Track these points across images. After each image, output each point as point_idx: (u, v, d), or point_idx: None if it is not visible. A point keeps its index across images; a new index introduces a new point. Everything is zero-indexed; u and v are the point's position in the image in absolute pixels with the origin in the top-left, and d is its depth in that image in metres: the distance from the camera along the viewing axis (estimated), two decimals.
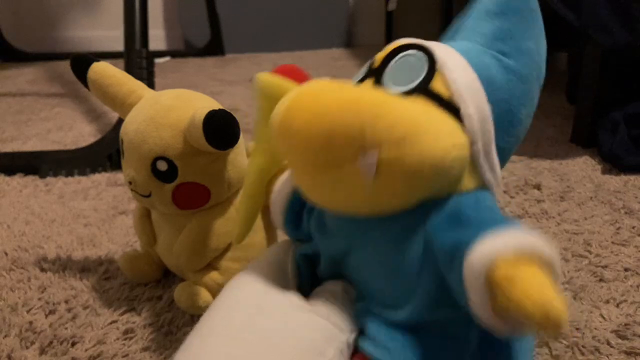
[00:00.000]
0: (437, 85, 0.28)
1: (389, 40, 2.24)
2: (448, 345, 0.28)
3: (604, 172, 0.76)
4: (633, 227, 0.59)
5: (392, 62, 0.30)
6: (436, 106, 0.27)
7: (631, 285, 0.48)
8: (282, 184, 0.35)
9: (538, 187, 0.71)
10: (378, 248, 0.29)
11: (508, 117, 0.30)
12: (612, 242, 0.56)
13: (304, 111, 0.26)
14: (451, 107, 0.27)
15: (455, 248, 0.25)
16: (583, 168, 0.77)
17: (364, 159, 0.25)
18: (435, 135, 0.25)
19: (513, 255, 0.22)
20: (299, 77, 0.34)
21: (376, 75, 0.30)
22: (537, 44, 0.32)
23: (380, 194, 0.26)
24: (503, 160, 0.31)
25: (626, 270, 0.51)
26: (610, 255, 0.53)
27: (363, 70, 0.32)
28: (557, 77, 1.35)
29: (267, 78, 0.33)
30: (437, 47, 0.30)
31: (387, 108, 0.25)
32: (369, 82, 0.30)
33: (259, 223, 0.46)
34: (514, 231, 0.24)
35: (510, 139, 0.31)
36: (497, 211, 0.28)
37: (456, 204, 0.27)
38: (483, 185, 0.29)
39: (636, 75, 0.82)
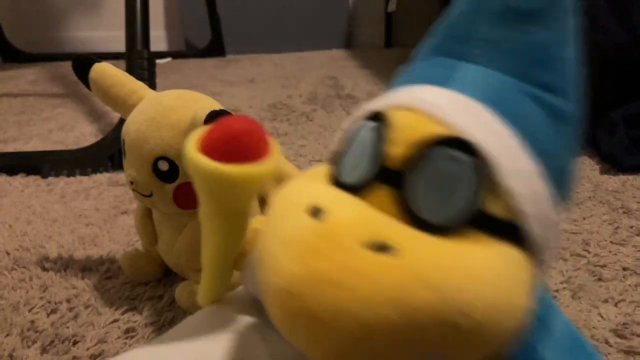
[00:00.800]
0: (490, 202, 0.19)
1: (388, 40, 2.25)
2: None
3: (602, 172, 0.76)
4: (631, 227, 0.59)
5: (421, 166, 0.20)
6: (493, 237, 0.19)
7: (629, 285, 0.48)
8: (252, 267, 0.27)
9: None
10: None
11: (559, 173, 0.22)
12: (611, 242, 0.56)
13: (329, 327, 0.18)
14: (510, 228, 0.20)
15: None
16: (582, 168, 0.77)
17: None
18: (512, 307, 0.18)
19: None
20: (248, 147, 0.25)
21: (395, 181, 0.20)
22: (576, 55, 0.23)
23: None
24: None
25: (624, 269, 0.51)
26: (608, 254, 0.54)
27: (360, 149, 0.22)
28: None
29: (203, 163, 0.24)
30: (483, 134, 0.20)
31: (447, 289, 0.17)
32: (383, 193, 0.20)
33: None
34: None
35: (566, 195, 0.23)
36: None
37: None
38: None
39: (635, 75, 0.82)
